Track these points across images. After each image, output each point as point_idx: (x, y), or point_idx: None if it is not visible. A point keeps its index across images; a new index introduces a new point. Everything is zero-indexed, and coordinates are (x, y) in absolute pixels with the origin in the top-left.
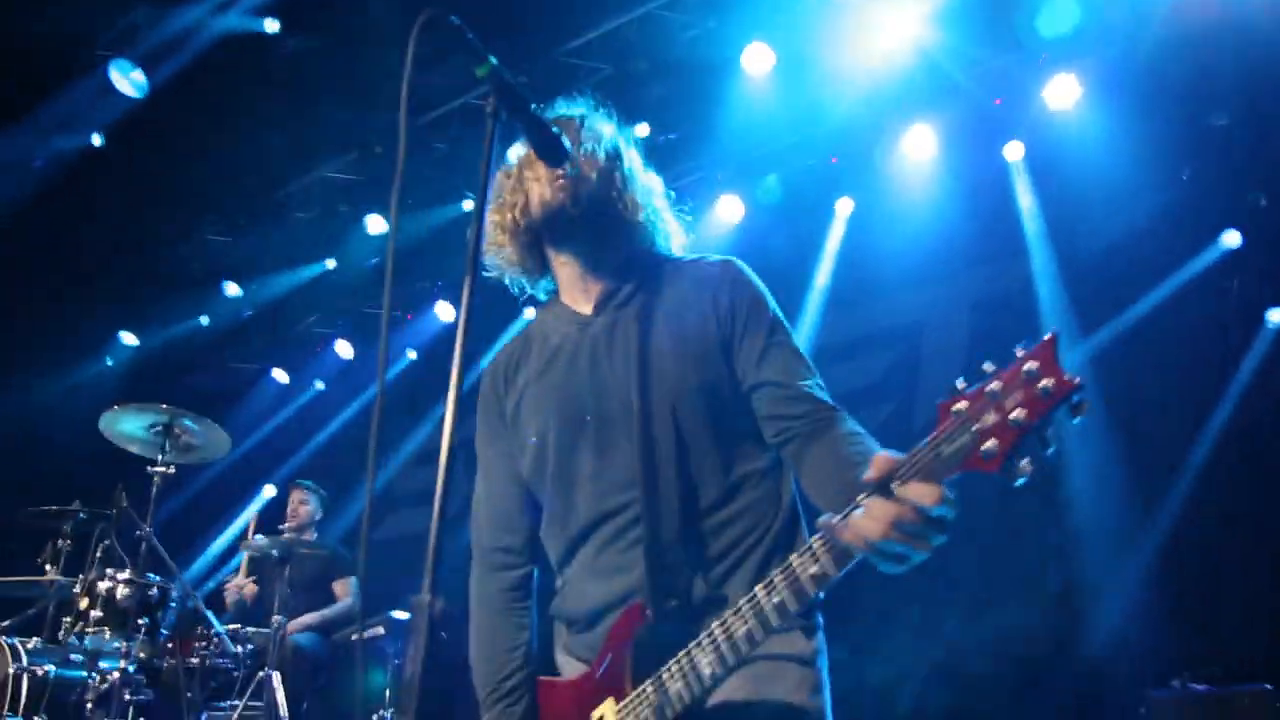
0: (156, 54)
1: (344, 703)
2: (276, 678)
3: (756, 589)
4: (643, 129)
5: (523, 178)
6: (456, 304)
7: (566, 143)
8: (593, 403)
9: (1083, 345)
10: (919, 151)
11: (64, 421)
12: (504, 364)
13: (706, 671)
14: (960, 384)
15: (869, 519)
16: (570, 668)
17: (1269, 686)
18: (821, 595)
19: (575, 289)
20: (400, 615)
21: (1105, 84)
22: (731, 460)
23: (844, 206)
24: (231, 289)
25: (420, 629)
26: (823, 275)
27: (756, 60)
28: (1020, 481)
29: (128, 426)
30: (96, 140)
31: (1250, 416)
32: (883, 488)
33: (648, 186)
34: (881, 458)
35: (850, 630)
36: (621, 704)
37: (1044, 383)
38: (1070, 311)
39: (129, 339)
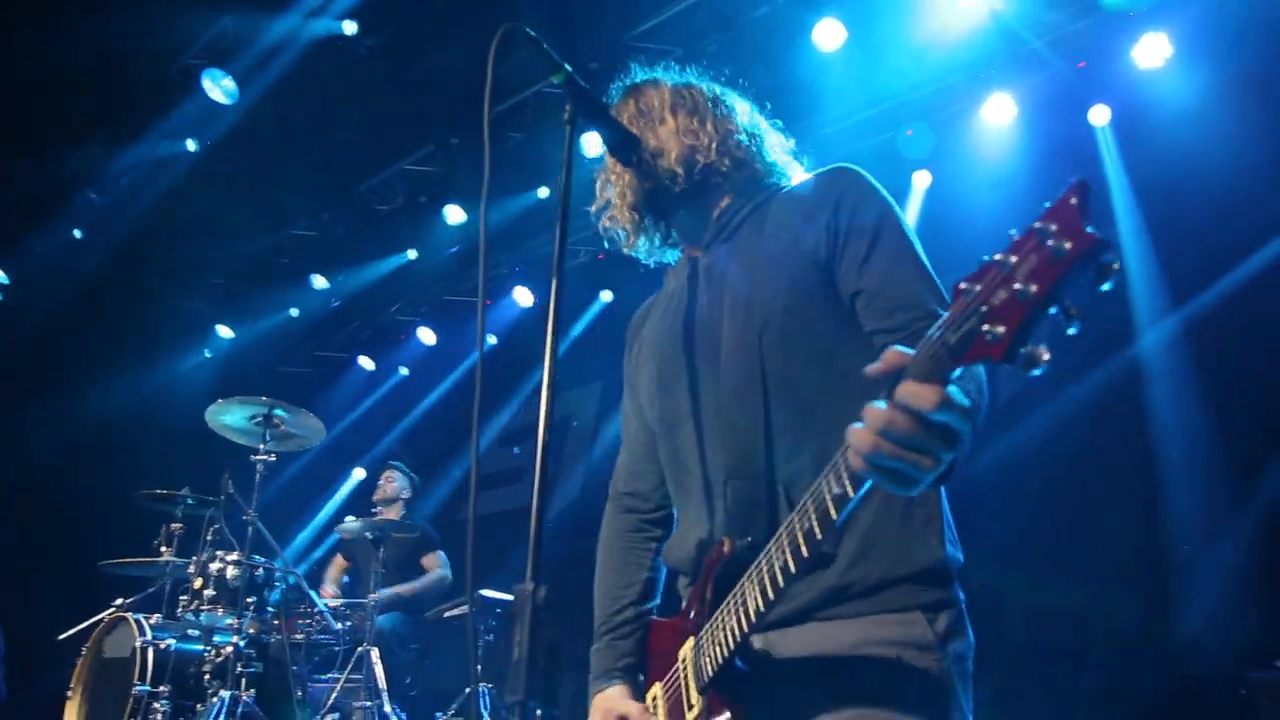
0: (243, 61)
1: (443, 678)
2: (375, 653)
3: (792, 514)
4: None
5: (610, 178)
6: (534, 289)
7: (635, 133)
8: (690, 341)
9: (1176, 315)
10: (998, 120)
11: (170, 411)
12: (638, 318)
13: (750, 607)
14: (985, 258)
15: (862, 429)
16: None
17: None
18: (840, 520)
19: (691, 240)
20: (490, 593)
21: (1198, 39)
22: (827, 388)
23: (921, 180)
24: (319, 281)
25: (525, 616)
26: None
27: (828, 36)
28: (1035, 371)
29: (231, 418)
30: (191, 146)
31: None
32: (891, 388)
33: (732, 121)
34: (891, 352)
35: None
36: (697, 643)
37: (1057, 243)
38: (1162, 280)
39: (225, 332)
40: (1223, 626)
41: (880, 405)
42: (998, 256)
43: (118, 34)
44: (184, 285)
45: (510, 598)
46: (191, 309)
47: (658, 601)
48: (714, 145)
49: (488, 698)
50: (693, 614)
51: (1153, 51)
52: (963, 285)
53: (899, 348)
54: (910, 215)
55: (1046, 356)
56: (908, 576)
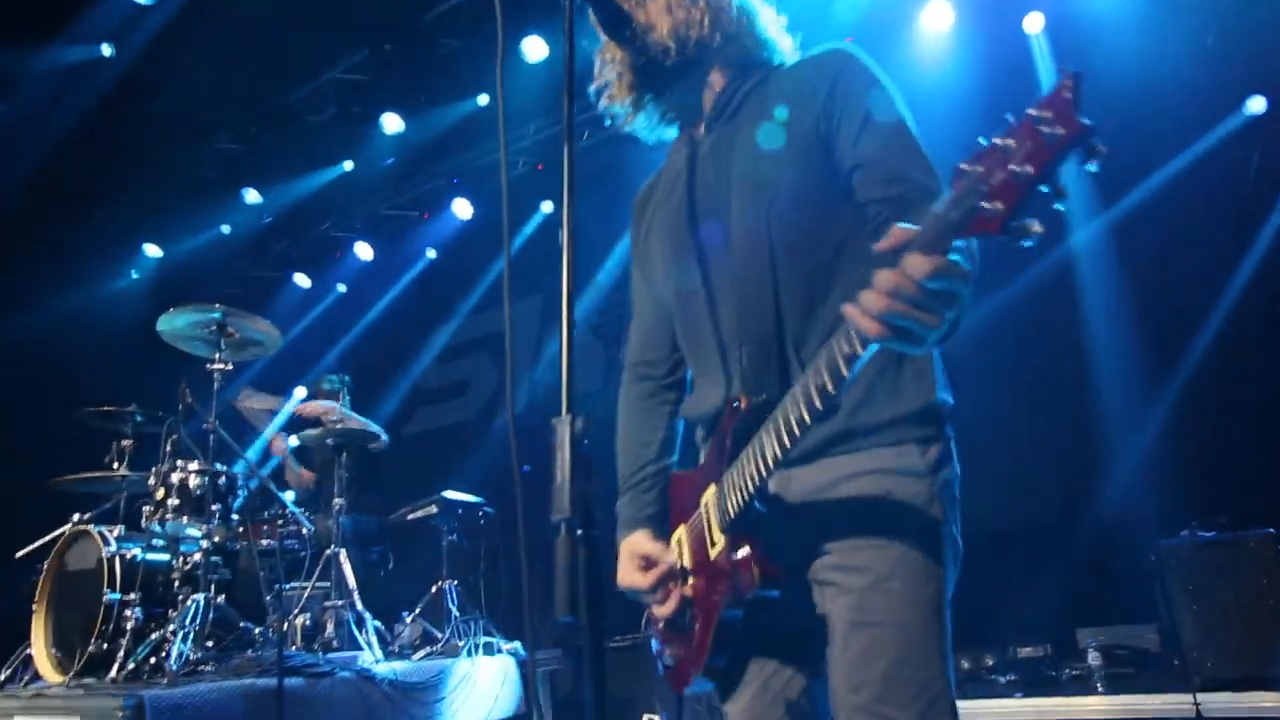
0: None
1: (410, 579)
2: (343, 554)
3: (805, 373)
4: None
5: (606, 57)
6: (474, 200)
7: (626, 9)
8: (698, 218)
9: (1104, 215)
10: (936, 26)
11: (99, 333)
12: (642, 194)
13: (768, 454)
14: (981, 141)
15: (872, 292)
16: None
17: (1272, 530)
18: (852, 375)
19: (690, 117)
20: (451, 495)
21: None
22: (827, 258)
23: None
24: (251, 196)
25: (564, 441)
26: None
27: None
28: (1027, 243)
29: (184, 327)
30: (106, 50)
31: (1266, 283)
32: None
33: None
34: (897, 228)
35: None
36: (719, 488)
37: (1051, 129)
38: (1091, 182)
39: (153, 250)
40: (1139, 500)
41: (884, 270)
42: (996, 140)
43: None
44: (107, 203)
45: (470, 499)
46: (116, 228)
47: (676, 457)
48: (705, 19)
49: (455, 593)
50: (713, 463)
51: None
52: (964, 167)
53: (903, 224)
54: None
55: (1038, 229)
56: (902, 417)
